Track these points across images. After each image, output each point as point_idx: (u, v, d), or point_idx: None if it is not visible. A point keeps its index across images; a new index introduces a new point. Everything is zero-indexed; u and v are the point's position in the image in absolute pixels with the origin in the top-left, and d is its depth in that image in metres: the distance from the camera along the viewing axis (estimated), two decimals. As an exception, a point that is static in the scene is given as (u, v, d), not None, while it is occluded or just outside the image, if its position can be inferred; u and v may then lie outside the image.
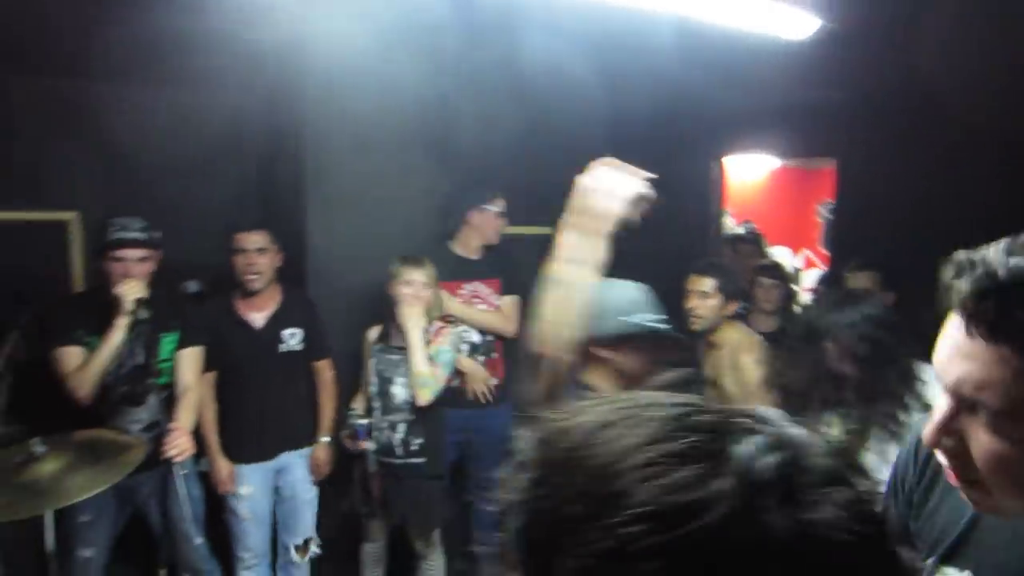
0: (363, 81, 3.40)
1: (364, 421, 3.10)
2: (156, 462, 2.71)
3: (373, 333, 3.24)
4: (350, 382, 3.36)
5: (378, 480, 3.13)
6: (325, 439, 3.27)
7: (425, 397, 2.98)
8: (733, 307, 3.12)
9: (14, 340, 2.93)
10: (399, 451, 3.09)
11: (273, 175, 3.77)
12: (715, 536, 0.44)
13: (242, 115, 3.74)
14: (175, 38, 2.88)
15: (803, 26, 2.59)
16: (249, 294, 3.09)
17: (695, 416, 0.52)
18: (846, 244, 4.11)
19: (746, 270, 4.14)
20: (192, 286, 3.48)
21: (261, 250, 3.04)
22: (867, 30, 2.66)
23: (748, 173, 6.43)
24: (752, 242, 4.57)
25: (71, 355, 2.72)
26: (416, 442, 3.09)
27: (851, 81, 3.28)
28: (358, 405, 3.23)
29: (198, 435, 2.94)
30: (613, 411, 0.54)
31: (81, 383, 2.67)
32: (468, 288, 3.61)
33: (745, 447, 0.48)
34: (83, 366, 2.68)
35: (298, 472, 3.24)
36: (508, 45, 2.89)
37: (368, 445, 3.09)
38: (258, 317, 3.13)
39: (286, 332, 3.16)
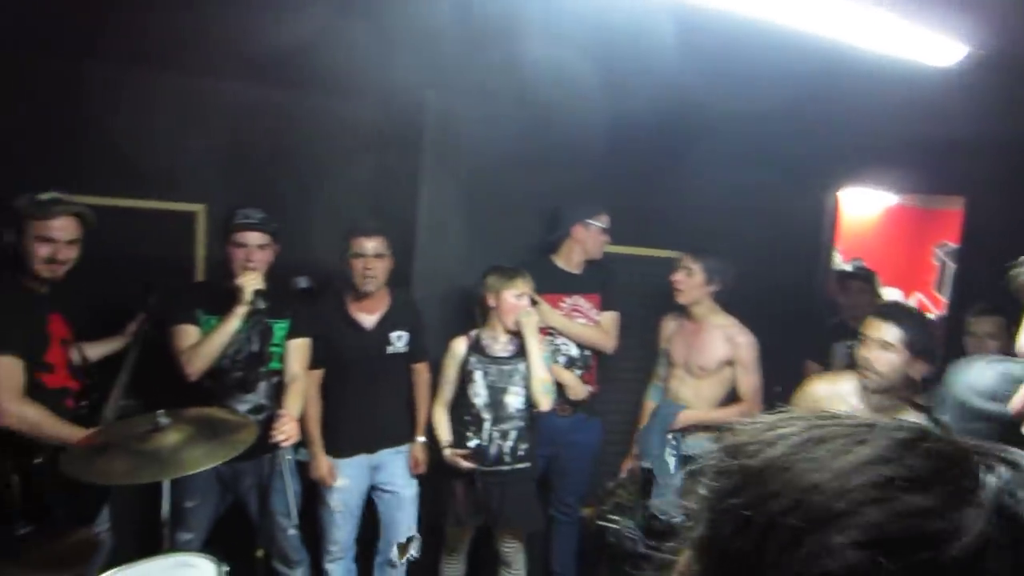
0: (480, 91, 3.47)
1: (476, 442, 3.13)
2: (261, 449, 2.80)
3: (460, 344, 3.23)
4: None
5: (470, 493, 3.17)
6: (421, 439, 3.32)
7: (549, 402, 3.09)
8: (921, 369, 2.45)
9: (141, 320, 3.10)
10: (508, 458, 3.13)
11: (387, 179, 3.88)
12: (963, 569, 0.42)
13: (360, 120, 3.88)
14: (301, 43, 3.00)
15: (946, 53, 2.47)
16: (361, 296, 3.16)
17: (926, 442, 0.49)
18: (971, 288, 3.89)
19: (857, 310, 3.98)
20: (302, 282, 3.60)
21: (379, 255, 3.10)
22: (1014, 60, 2.51)
23: (861, 208, 6.19)
24: (864, 279, 4.38)
25: (187, 333, 2.86)
26: (523, 448, 3.15)
27: (990, 114, 3.11)
28: (442, 418, 3.25)
29: (301, 427, 3.02)
30: (819, 427, 0.52)
31: (192, 360, 2.78)
32: (569, 301, 3.61)
33: (997, 478, 0.46)
34: (196, 344, 2.81)
35: (396, 468, 3.29)
36: (620, 59, 2.88)
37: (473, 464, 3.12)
38: (368, 319, 3.20)
39: (393, 334, 3.23)
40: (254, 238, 2.88)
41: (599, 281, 3.66)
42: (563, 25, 2.52)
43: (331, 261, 3.58)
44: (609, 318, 3.65)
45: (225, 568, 1.99)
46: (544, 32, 2.59)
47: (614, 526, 2.59)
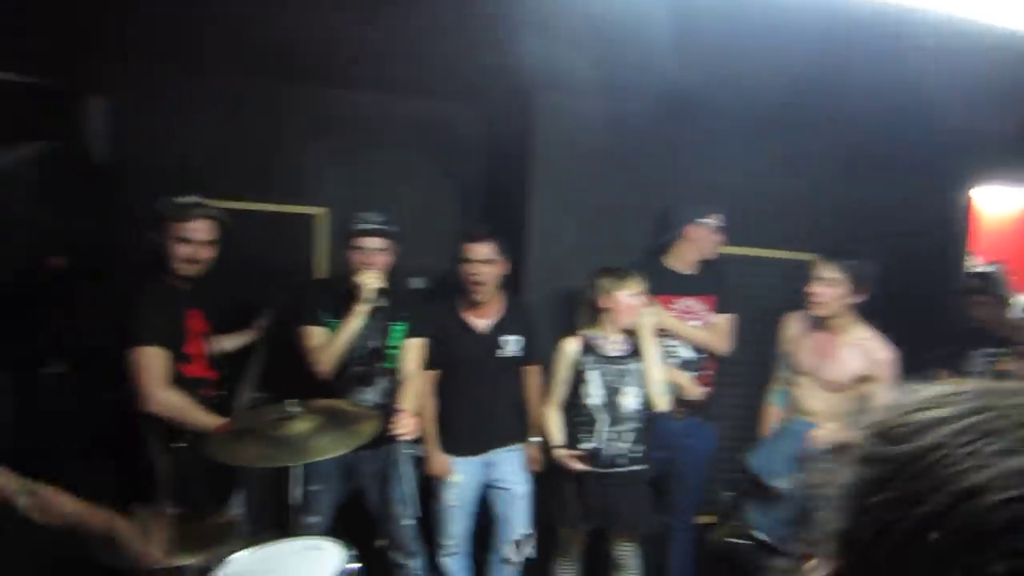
0: (592, 91, 3.47)
1: (591, 444, 3.12)
2: (380, 441, 2.89)
3: (572, 345, 3.20)
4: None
5: (582, 495, 3.14)
6: (536, 439, 3.34)
7: (666, 404, 3.06)
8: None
9: (269, 317, 3.27)
10: (623, 461, 3.10)
11: (499, 181, 3.93)
12: None
13: (471, 122, 3.96)
14: (414, 49, 3.09)
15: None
16: (473, 301, 3.20)
17: None
18: None
19: (996, 317, 3.72)
20: (418, 282, 3.69)
21: (487, 261, 3.12)
22: None
23: (1001, 207, 5.77)
24: (984, 290, 4.06)
25: (315, 334, 3.00)
26: (639, 450, 3.11)
27: None
28: (555, 418, 3.24)
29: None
30: (986, 413, 0.45)
31: (321, 360, 2.94)
32: (681, 303, 3.53)
33: None
34: (324, 345, 2.95)
35: (510, 465, 3.31)
36: (741, 53, 2.80)
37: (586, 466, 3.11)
38: (481, 323, 3.24)
39: (505, 339, 3.25)
40: (373, 242, 2.97)
41: (713, 282, 3.57)
42: (680, 17, 2.48)
43: (446, 263, 3.68)
44: (724, 320, 3.56)
45: (352, 552, 2.06)
46: (661, 25, 2.55)
47: (742, 542, 2.50)
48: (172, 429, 2.60)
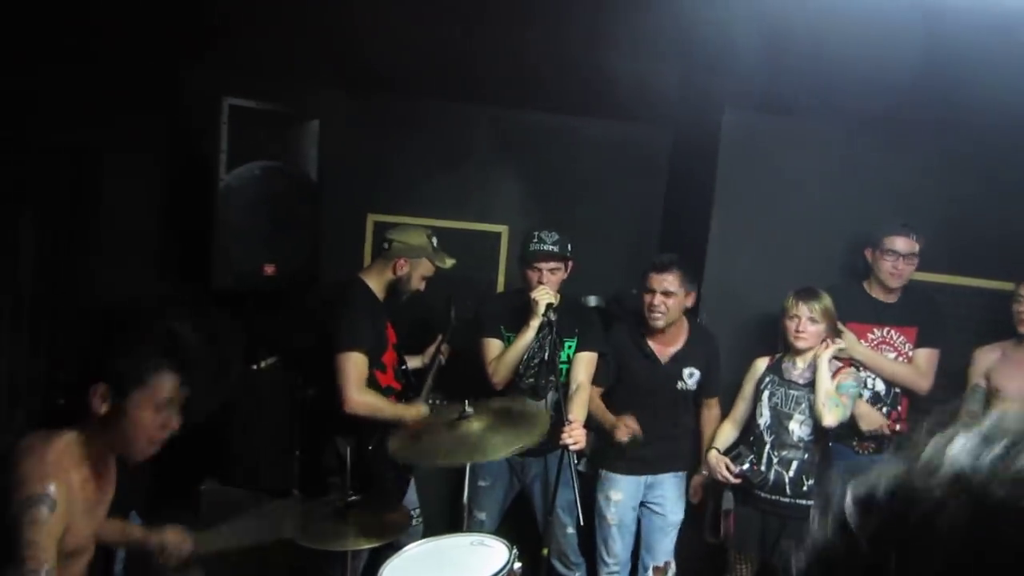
0: (779, 106, 3.34)
1: (749, 463, 2.99)
2: (547, 448, 2.95)
3: (762, 364, 3.15)
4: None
5: (732, 517, 3.06)
6: (705, 472, 3.24)
7: (834, 417, 2.87)
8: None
9: (440, 340, 3.42)
10: (789, 490, 2.94)
11: (680, 203, 3.88)
12: None
13: (656, 143, 3.95)
14: (601, 72, 3.14)
15: None
16: (652, 329, 3.17)
17: None
18: None
19: None
20: (592, 300, 3.71)
21: (667, 293, 3.08)
22: None
23: None
24: None
25: (493, 346, 3.14)
26: (808, 483, 2.92)
27: None
28: (725, 431, 3.19)
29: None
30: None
31: (497, 371, 3.07)
32: (878, 333, 3.28)
33: None
34: (500, 356, 3.07)
35: (670, 491, 3.25)
36: (940, 74, 2.58)
37: (738, 480, 3.01)
38: (663, 352, 3.21)
39: (686, 371, 3.20)
40: (547, 264, 3.05)
41: (916, 313, 3.28)
42: (876, 27, 2.34)
43: (620, 283, 3.68)
44: (924, 356, 3.25)
45: (516, 552, 2.09)
46: (854, 39, 2.43)
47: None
48: (362, 427, 2.80)
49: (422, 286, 3.03)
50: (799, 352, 3.01)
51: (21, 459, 1.55)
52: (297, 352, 3.14)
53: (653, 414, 3.21)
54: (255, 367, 3.28)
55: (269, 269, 3.76)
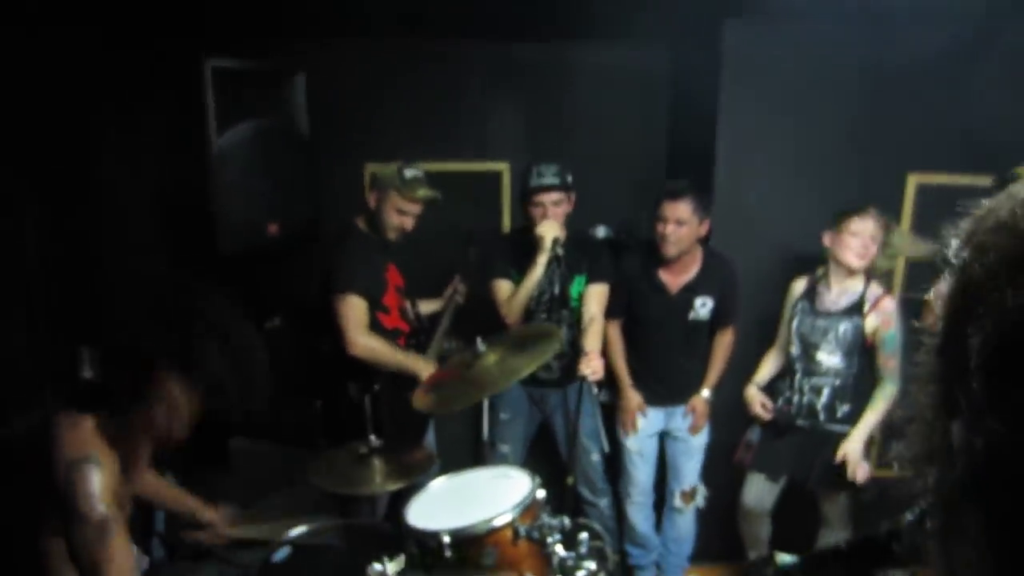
0: (787, 12, 3.19)
1: (783, 400, 3.04)
2: (566, 381, 2.96)
3: (799, 285, 3.08)
4: (750, 340, 3.30)
5: (753, 449, 3.13)
6: (706, 393, 3.24)
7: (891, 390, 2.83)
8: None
9: (457, 280, 3.40)
10: (823, 416, 2.95)
11: (684, 125, 3.78)
12: None
13: (654, 67, 3.84)
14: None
15: None
16: (668, 260, 3.11)
17: None
18: None
19: None
20: (601, 231, 3.67)
21: (680, 222, 3.00)
22: None
23: None
24: None
25: (503, 288, 3.14)
26: (843, 408, 2.92)
27: None
28: (768, 362, 3.18)
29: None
30: None
31: (510, 312, 3.06)
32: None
33: None
34: (511, 297, 3.06)
35: (691, 417, 3.25)
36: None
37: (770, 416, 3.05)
38: (673, 282, 3.16)
39: (698, 301, 3.15)
40: (549, 197, 3.00)
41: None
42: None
43: (627, 212, 3.63)
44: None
45: (539, 480, 2.11)
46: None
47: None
48: (370, 372, 2.82)
49: (404, 222, 2.93)
50: (852, 272, 2.91)
51: (61, 430, 1.56)
52: (304, 306, 3.14)
53: (666, 347, 3.19)
54: (268, 326, 3.30)
55: (273, 228, 3.75)
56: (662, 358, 3.20)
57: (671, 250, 3.03)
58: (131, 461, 1.70)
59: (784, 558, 3.12)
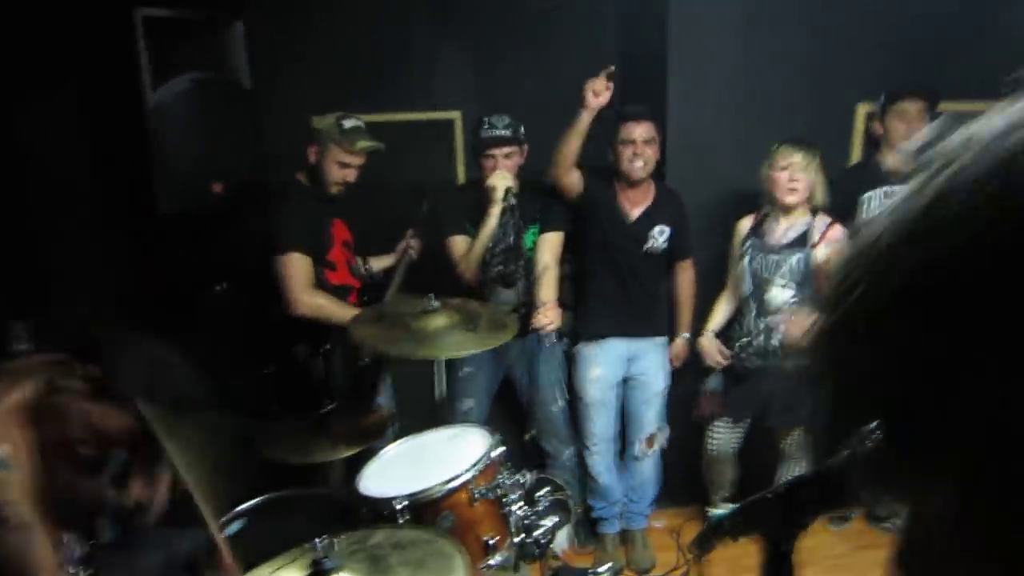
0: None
1: (741, 343, 3.01)
2: (525, 332, 2.93)
3: (746, 223, 3.05)
4: (704, 280, 3.27)
5: (716, 397, 3.14)
6: (685, 335, 3.25)
7: None
8: None
9: (411, 234, 3.31)
10: (778, 354, 2.94)
11: (633, 63, 3.67)
12: None
13: (604, 10, 3.72)
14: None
15: None
16: (631, 185, 3.06)
17: None
18: None
19: None
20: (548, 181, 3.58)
21: (648, 141, 2.97)
22: None
23: None
24: None
25: (458, 244, 3.07)
26: None
27: None
28: (720, 307, 3.16)
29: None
30: None
31: (467, 267, 3.02)
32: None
33: None
34: (467, 253, 3.00)
35: (651, 360, 3.23)
36: None
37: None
38: (632, 210, 3.12)
39: (655, 230, 3.11)
40: (500, 150, 2.95)
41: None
42: None
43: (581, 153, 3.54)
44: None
45: (497, 437, 2.07)
46: None
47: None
48: (321, 333, 2.74)
49: (347, 175, 2.85)
50: (788, 208, 2.90)
51: None
52: (251, 268, 3.04)
53: (628, 275, 3.16)
54: (216, 291, 3.20)
55: (217, 187, 3.61)
56: (622, 286, 3.16)
57: (641, 171, 2.99)
58: (57, 453, 1.62)
59: (716, 512, 3.18)
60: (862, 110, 3.40)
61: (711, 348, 3.09)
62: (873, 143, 3.29)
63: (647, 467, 3.33)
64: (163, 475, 1.88)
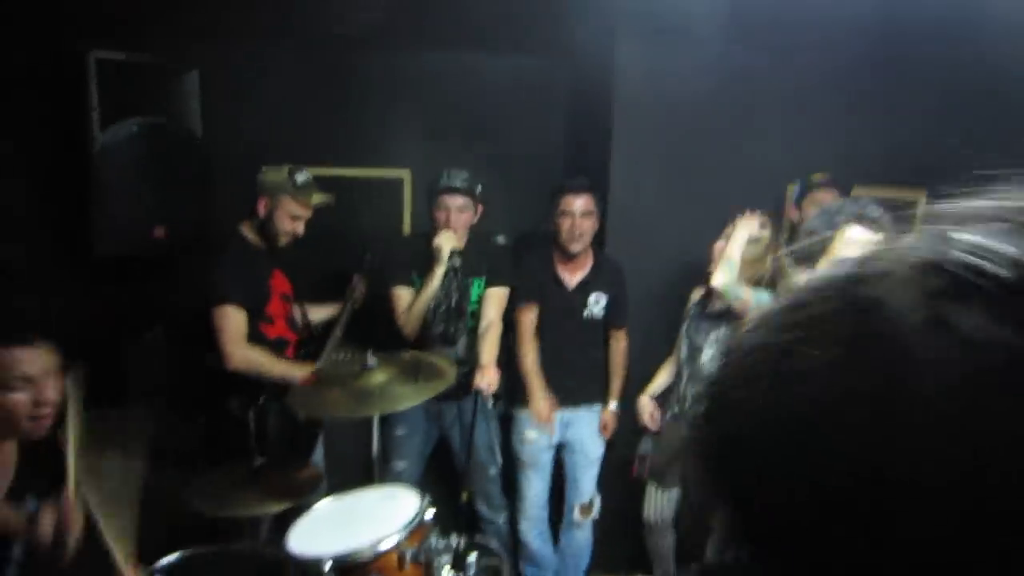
0: (674, 41, 3.28)
1: (673, 412, 3.07)
2: (462, 394, 2.92)
3: (697, 293, 3.11)
4: (639, 349, 3.34)
5: (647, 461, 3.16)
6: (613, 405, 3.28)
7: (721, 280, 2.66)
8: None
9: (355, 282, 3.32)
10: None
11: (580, 137, 3.82)
12: None
13: (552, 77, 3.87)
14: (492, 5, 3.02)
15: None
16: (568, 256, 3.13)
17: None
18: None
19: None
20: (501, 239, 3.66)
21: (586, 214, 3.06)
22: None
23: None
24: None
25: (403, 297, 3.07)
26: None
27: None
28: (662, 373, 3.21)
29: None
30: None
31: (407, 323, 3.02)
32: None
33: None
34: (409, 308, 3.01)
35: (586, 428, 3.26)
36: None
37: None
38: (571, 278, 3.18)
39: (592, 298, 3.18)
40: (456, 202, 2.99)
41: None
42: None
43: (527, 222, 3.62)
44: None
45: (428, 499, 2.06)
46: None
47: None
48: (255, 386, 2.70)
49: (297, 227, 2.85)
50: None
51: None
52: (187, 317, 2.99)
53: (564, 342, 3.20)
54: (149, 337, 3.12)
55: (159, 232, 3.55)
56: (560, 354, 3.19)
57: (578, 244, 3.06)
58: None
59: None
60: (791, 190, 3.57)
61: (645, 408, 3.13)
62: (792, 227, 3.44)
63: (583, 533, 3.32)
64: (74, 516, 1.80)
